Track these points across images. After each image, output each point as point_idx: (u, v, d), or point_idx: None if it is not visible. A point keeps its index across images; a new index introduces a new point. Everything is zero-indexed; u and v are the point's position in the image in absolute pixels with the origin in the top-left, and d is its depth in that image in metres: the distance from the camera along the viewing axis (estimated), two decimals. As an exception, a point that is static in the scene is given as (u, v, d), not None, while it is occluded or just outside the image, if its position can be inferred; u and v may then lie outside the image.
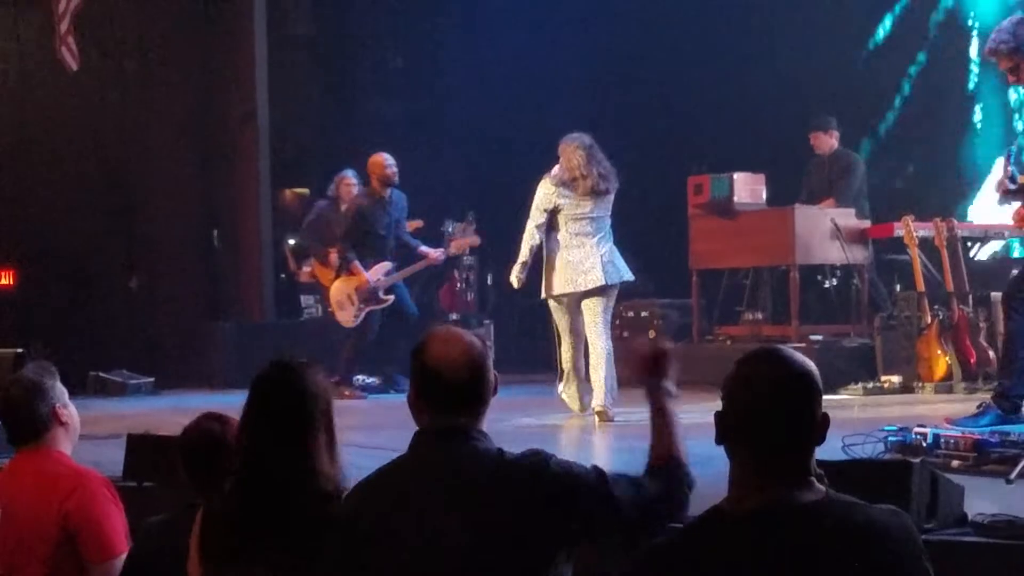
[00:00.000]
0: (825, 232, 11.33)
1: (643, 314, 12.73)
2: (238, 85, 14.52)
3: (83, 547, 4.62)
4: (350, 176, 12.89)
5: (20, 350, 9.59)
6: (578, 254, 9.21)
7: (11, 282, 16.71)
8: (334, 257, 12.73)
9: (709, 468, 6.17)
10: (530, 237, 9.29)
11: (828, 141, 12.06)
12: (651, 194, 12.99)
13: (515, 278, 9.50)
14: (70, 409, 4.82)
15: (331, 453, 3.75)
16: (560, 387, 9.53)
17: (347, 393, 11.47)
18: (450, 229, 14.99)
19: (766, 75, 13.31)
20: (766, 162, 12.06)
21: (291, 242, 15.48)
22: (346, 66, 16.33)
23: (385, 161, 11.76)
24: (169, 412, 10.79)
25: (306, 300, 14.59)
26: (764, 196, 11.81)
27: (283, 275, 15.19)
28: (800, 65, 13.21)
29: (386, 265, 11.86)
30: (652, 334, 12.53)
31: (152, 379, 12.52)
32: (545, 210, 9.21)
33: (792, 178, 12.08)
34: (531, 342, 13.53)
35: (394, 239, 11.99)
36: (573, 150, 9.23)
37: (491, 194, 13.18)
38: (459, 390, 3.35)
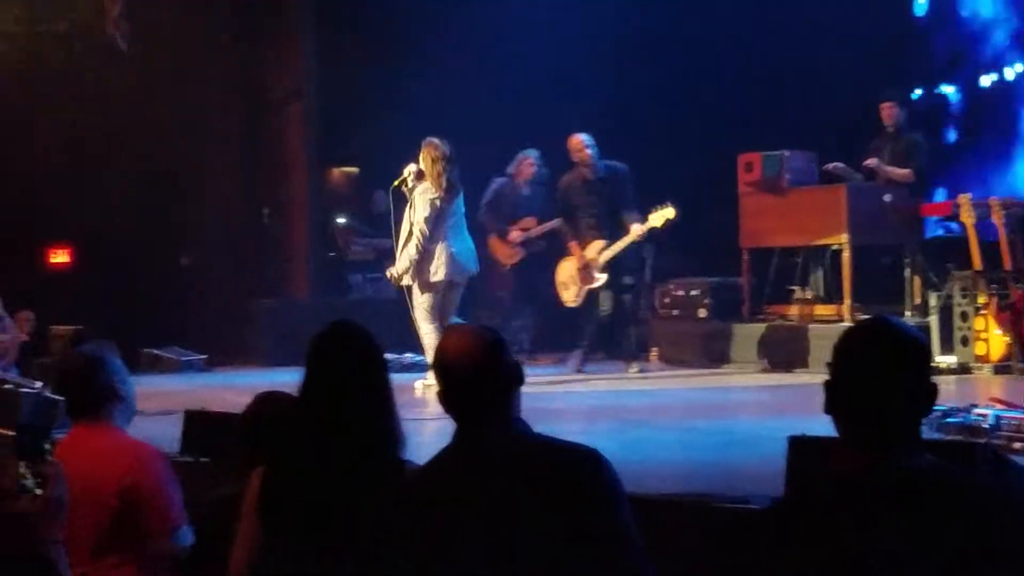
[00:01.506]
0: (878, 210, 11.22)
1: (692, 293, 12.67)
2: (285, 64, 14.52)
3: (143, 520, 4.64)
4: (532, 156, 12.79)
5: (79, 327, 9.70)
6: (457, 246, 10.31)
7: (68, 260, 16.84)
8: (515, 235, 12.76)
9: (756, 449, 6.20)
10: (421, 245, 10.23)
11: (898, 113, 11.84)
12: (699, 172, 12.91)
13: (407, 275, 10.39)
14: (128, 385, 4.84)
15: (391, 412, 3.83)
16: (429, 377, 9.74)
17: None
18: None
19: (819, 51, 13.16)
20: (817, 139, 11.97)
21: (340, 221, 15.48)
22: (394, 42, 16.26)
23: (580, 142, 11.47)
24: (221, 389, 10.85)
25: (354, 279, 14.59)
26: (816, 174, 11.72)
27: (332, 254, 15.20)
28: (853, 41, 13.06)
29: (599, 243, 11.41)
30: (702, 313, 12.49)
31: (204, 356, 12.56)
32: (431, 217, 10.21)
33: (844, 156, 11.95)
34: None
35: (608, 216, 11.46)
36: (433, 153, 10.24)
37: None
38: (478, 382, 3.38)
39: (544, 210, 12.66)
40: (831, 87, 12.90)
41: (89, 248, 16.11)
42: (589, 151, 11.42)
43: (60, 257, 16.81)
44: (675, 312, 12.74)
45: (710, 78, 13.69)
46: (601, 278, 11.34)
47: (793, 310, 11.81)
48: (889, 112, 11.79)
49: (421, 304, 10.33)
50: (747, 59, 13.54)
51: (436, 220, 10.23)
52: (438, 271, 10.25)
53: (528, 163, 12.78)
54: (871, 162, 11.56)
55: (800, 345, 11.01)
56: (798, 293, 11.86)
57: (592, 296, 11.52)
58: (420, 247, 10.25)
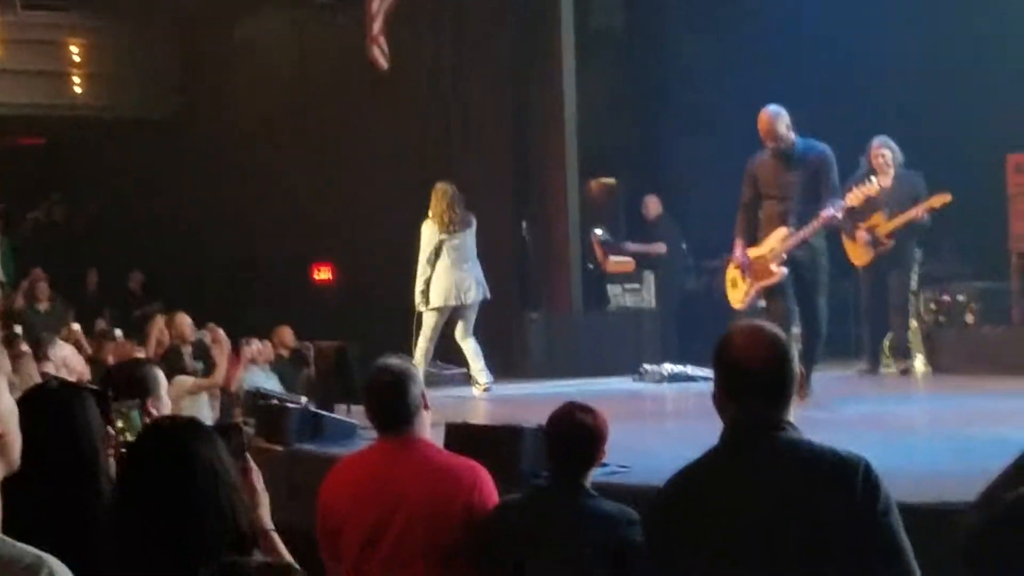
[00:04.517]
0: None
1: (959, 298, 12.28)
2: (546, 78, 14.60)
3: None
4: (877, 143, 11.78)
5: (342, 343, 9.92)
6: (458, 275, 11.72)
7: (331, 277, 17.30)
8: (862, 234, 11.73)
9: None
10: (423, 272, 11.74)
11: None
12: (966, 175, 12.52)
13: (419, 301, 11.82)
14: (427, 396, 4.90)
15: None
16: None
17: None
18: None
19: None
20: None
21: (598, 232, 15.51)
22: (652, 56, 16.26)
23: (763, 114, 9.82)
24: (481, 402, 10.97)
25: (613, 290, 14.60)
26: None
27: (590, 266, 15.24)
28: None
29: (780, 232, 9.68)
30: (970, 318, 12.10)
31: (464, 370, 12.70)
32: (431, 249, 11.68)
33: None
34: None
35: (801, 202, 9.67)
36: (441, 195, 11.79)
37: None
38: (766, 379, 3.34)
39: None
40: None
41: (351, 264, 16.51)
42: (772, 126, 9.69)
43: (323, 274, 17.29)
44: (941, 318, 12.37)
45: (980, 75, 13.27)
46: (777, 273, 9.64)
47: (1068, 315, 11.36)
48: None
49: (425, 323, 11.84)
50: (1018, 52, 13.06)
51: (435, 252, 11.67)
52: (437, 296, 11.70)
53: (875, 152, 11.78)
54: None
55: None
56: (1072, 297, 11.39)
57: (767, 295, 9.80)
58: (421, 276, 11.73)
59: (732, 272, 10.08)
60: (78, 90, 19.44)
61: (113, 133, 19.34)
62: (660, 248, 14.90)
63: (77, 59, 19.32)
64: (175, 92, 19.52)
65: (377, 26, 14.41)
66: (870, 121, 12.59)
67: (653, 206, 15.21)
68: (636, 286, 14.56)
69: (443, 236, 11.71)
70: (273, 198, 17.46)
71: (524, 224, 14.26)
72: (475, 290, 11.85)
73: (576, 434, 4.48)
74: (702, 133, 14.89)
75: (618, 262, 14.86)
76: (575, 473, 4.49)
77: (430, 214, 11.79)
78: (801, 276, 9.63)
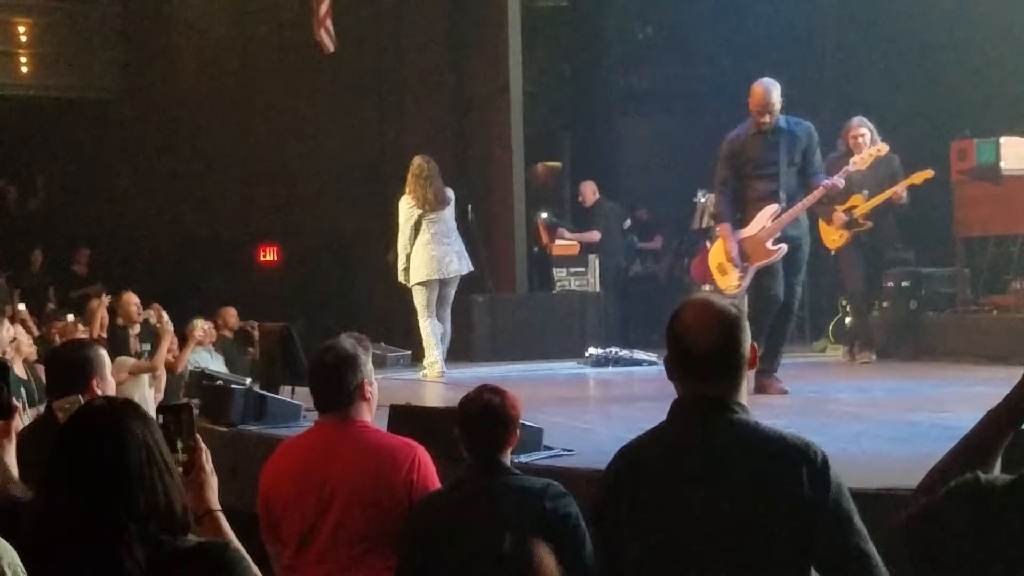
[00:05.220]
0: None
1: (904, 284, 12.33)
2: (490, 60, 14.56)
3: None
4: (855, 122, 11.27)
5: (285, 324, 9.85)
6: (440, 250, 11.45)
7: (276, 258, 17.22)
8: (839, 215, 11.21)
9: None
10: (404, 248, 11.54)
11: None
12: (912, 160, 12.59)
13: (402, 278, 11.63)
14: (374, 388, 4.85)
15: None
16: (425, 368, 11.46)
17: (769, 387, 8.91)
18: (702, 200, 14.82)
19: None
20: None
21: (543, 215, 15.50)
22: (597, 38, 16.25)
23: (759, 87, 9.20)
24: (427, 384, 10.94)
25: (559, 273, 14.60)
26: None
27: (536, 249, 15.23)
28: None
29: (771, 208, 9.07)
30: (913, 304, 12.16)
31: (409, 352, 12.67)
32: (410, 224, 11.46)
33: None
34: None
35: (794, 179, 9.17)
36: (417, 171, 11.51)
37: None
38: (712, 358, 3.29)
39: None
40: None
41: (296, 247, 16.43)
42: (767, 99, 9.06)
43: (269, 256, 17.21)
44: (886, 304, 12.43)
45: (926, 61, 13.34)
46: (775, 251, 9.01)
47: (1010, 300, 11.43)
48: None
49: (417, 301, 11.56)
50: (964, 39, 13.13)
51: (414, 228, 11.44)
52: (419, 271, 11.45)
53: (853, 133, 11.23)
54: None
55: (1018, 337, 10.64)
56: (1015, 283, 11.48)
57: (765, 275, 9.11)
58: (402, 251, 11.54)
59: (718, 257, 9.35)
60: (25, 69, 19.29)
61: (59, 112, 19.18)
62: (594, 236, 14.90)
63: (24, 39, 19.18)
64: (120, 71, 19.37)
65: (324, 8, 14.31)
66: (815, 104, 12.64)
67: (589, 192, 15.21)
68: (581, 269, 14.55)
69: (420, 212, 11.48)
70: (218, 179, 17.35)
71: (469, 207, 14.21)
72: (457, 263, 11.59)
73: (485, 415, 4.48)
74: (648, 113, 14.92)
75: (563, 245, 14.86)
76: (490, 453, 4.49)
77: (407, 189, 11.54)
78: (787, 254, 9.05)
